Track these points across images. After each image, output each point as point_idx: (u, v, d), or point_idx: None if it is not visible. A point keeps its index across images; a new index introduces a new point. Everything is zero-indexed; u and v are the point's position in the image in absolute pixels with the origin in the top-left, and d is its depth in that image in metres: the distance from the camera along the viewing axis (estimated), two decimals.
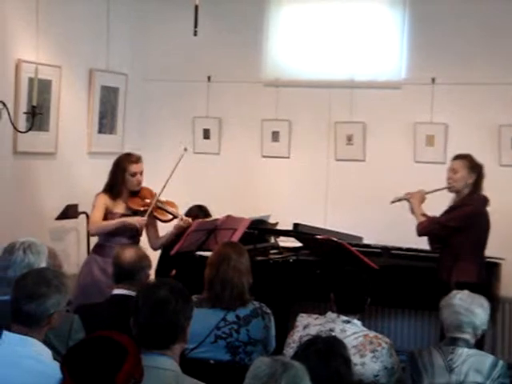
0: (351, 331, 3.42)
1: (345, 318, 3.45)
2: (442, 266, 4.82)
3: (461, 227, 4.71)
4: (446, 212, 4.85)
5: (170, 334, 2.58)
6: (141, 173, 5.05)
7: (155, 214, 5.07)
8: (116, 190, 4.99)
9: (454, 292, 3.41)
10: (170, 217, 5.12)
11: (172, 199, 5.18)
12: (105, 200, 4.98)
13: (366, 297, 3.57)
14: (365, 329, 3.49)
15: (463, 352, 3.25)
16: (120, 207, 5.01)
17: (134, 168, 5.00)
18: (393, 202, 5.02)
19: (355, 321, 3.47)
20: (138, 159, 5.05)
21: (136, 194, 5.08)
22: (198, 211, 5.50)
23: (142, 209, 5.03)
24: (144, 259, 3.86)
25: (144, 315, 2.58)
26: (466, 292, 3.39)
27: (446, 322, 3.38)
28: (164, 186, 5.02)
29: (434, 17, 5.99)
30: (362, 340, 3.38)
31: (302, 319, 3.58)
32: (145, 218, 4.97)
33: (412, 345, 5.58)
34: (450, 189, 4.86)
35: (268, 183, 6.37)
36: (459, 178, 4.80)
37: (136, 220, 4.94)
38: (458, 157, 4.88)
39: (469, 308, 3.30)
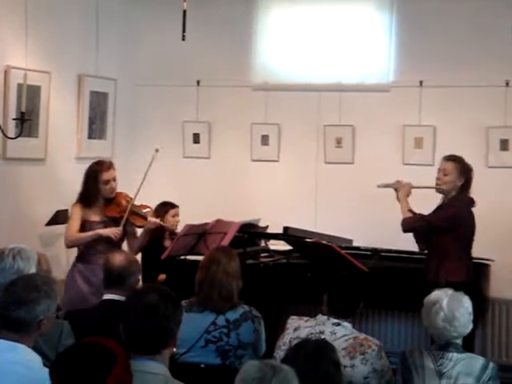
0: (341, 333, 3.42)
1: (335, 320, 3.46)
2: (429, 266, 4.84)
3: (446, 227, 4.72)
4: (433, 211, 4.86)
5: (159, 338, 2.58)
6: (114, 179, 4.94)
7: (131, 220, 4.98)
8: (89, 200, 4.90)
9: (431, 303, 3.31)
10: (145, 221, 5.01)
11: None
12: (79, 210, 4.90)
13: (360, 302, 3.58)
14: (355, 331, 3.49)
15: (453, 356, 3.23)
16: (96, 216, 4.93)
17: (106, 176, 4.90)
18: (379, 186, 4.95)
19: (345, 323, 3.47)
20: (109, 167, 4.93)
21: (111, 200, 4.99)
22: (162, 207, 5.48)
23: (118, 215, 4.95)
24: (134, 264, 3.85)
25: (133, 320, 2.58)
26: (444, 304, 3.27)
27: (432, 334, 3.37)
28: (138, 191, 4.92)
29: (422, 20, 6.02)
30: (351, 342, 3.38)
31: (293, 321, 3.59)
32: (120, 227, 4.87)
33: (402, 347, 5.57)
34: (437, 189, 4.84)
35: (258, 187, 6.37)
36: (448, 181, 4.77)
37: (110, 231, 4.83)
38: (449, 158, 4.81)
39: (450, 325, 3.23)
